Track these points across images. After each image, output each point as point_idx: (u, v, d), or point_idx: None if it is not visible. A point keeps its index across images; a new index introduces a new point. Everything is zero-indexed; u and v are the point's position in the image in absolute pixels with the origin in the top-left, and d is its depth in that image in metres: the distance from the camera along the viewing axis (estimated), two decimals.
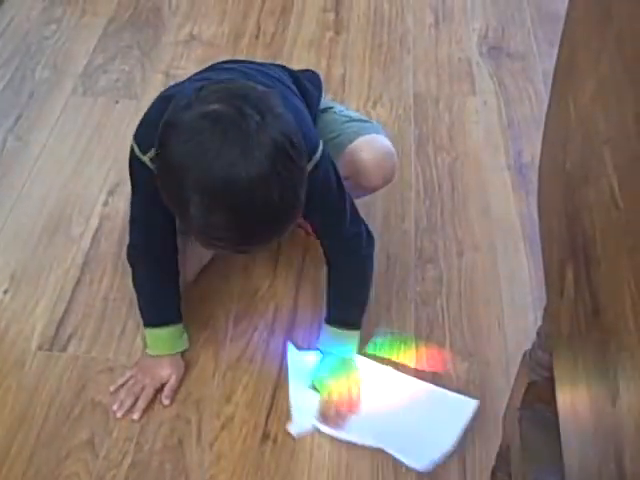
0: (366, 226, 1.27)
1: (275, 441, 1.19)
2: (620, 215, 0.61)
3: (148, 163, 1.14)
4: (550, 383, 0.84)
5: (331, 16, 2.03)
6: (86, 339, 1.31)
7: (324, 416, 1.21)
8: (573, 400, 0.72)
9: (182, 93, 1.11)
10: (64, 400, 1.23)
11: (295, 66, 1.51)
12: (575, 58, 0.81)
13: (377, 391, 1.24)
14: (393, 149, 1.35)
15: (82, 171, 1.60)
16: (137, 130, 1.19)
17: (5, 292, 1.38)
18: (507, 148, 1.68)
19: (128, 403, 1.22)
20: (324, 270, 1.31)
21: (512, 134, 1.71)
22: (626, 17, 0.66)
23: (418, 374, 1.27)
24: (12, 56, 1.86)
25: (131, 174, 1.21)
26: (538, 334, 0.94)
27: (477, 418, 1.21)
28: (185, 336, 1.28)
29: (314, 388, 1.24)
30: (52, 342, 1.31)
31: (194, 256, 1.35)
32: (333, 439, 1.19)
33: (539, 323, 0.94)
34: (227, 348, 1.31)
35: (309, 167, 1.10)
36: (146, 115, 1.20)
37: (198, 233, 1.06)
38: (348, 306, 1.28)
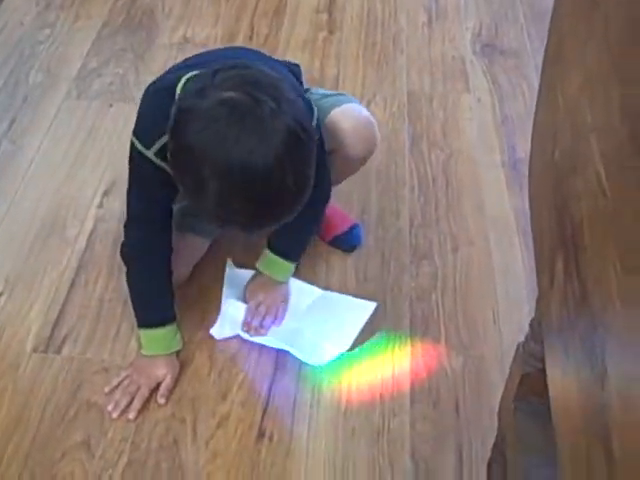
0: (329, 177, 1.30)
1: (271, 439, 1.19)
2: (607, 203, 0.61)
3: (152, 157, 1.14)
4: (543, 375, 0.84)
5: (324, 17, 2.03)
6: (81, 340, 1.31)
7: (248, 325, 1.32)
8: (563, 388, 0.72)
9: (171, 85, 1.12)
10: (59, 401, 1.23)
11: None
12: (563, 47, 0.82)
13: (294, 303, 1.36)
14: (371, 116, 1.36)
15: (76, 174, 1.60)
16: (136, 125, 1.20)
17: (0, 295, 1.38)
18: (501, 144, 1.68)
19: (124, 403, 1.21)
20: (319, 268, 1.31)
21: (506, 130, 1.72)
22: (612, 4, 0.66)
23: (413, 368, 1.28)
24: (6, 60, 1.87)
25: (131, 170, 1.21)
26: (531, 326, 0.95)
27: (473, 410, 1.22)
28: (179, 336, 1.28)
29: (244, 301, 1.35)
30: (47, 344, 1.31)
31: (187, 253, 1.35)
32: (333, 432, 1.19)
33: (532, 317, 0.94)
34: (222, 347, 1.31)
35: None
36: (143, 109, 1.21)
37: (214, 216, 1.09)
38: (292, 242, 1.34)
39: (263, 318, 1.32)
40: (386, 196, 1.55)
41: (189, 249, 1.35)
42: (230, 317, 1.33)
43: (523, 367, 0.95)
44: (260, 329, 1.32)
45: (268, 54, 1.36)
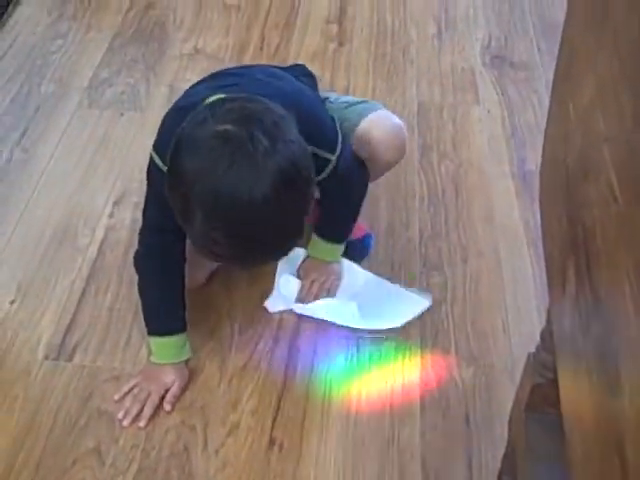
0: (361, 161, 1.32)
1: (281, 448, 1.19)
2: (619, 209, 0.62)
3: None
4: (554, 385, 0.84)
5: (334, 28, 2.04)
6: (92, 348, 1.32)
7: (301, 299, 1.37)
8: (576, 396, 0.72)
9: (194, 104, 1.13)
10: (70, 409, 1.23)
11: None
12: (574, 58, 0.82)
13: (346, 282, 1.40)
14: (401, 123, 1.37)
15: (88, 183, 1.61)
16: (156, 140, 1.21)
17: (12, 302, 1.39)
18: (511, 156, 1.68)
19: (134, 411, 1.22)
20: None
21: (515, 142, 1.72)
22: (622, 16, 0.67)
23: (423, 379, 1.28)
24: (18, 71, 1.88)
25: (149, 182, 1.23)
26: (542, 335, 0.94)
27: (483, 421, 1.22)
28: (188, 345, 1.28)
29: (298, 276, 1.40)
30: (58, 352, 1.31)
31: (205, 259, 1.34)
32: (343, 441, 1.20)
33: (543, 327, 0.94)
34: (232, 355, 1.31)
35: (332, 161, 1.22)
36: (165, 125, 1.22)
37: (200, 246, 1.09)
38: (337, 227, 1.38)
39: (316, 295, 1.37)
40: (396, 207, 1.56)
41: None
42: (284, 291, 1.38)
43: (534, 377, 0.95)
44: (312, 304, 1.36)
45: (290, 74, 1.35)
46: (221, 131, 1.02)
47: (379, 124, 1.33)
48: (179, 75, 1.88)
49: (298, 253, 1.40)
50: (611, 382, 0.59)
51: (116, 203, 1.57)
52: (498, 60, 1.94)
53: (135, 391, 1.24)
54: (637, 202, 0.58)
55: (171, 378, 1.24)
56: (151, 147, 1.20)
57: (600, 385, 0.62)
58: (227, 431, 1.21)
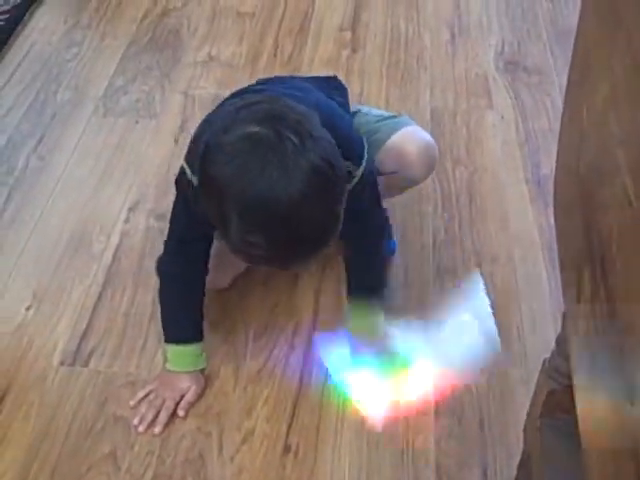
0: (385, 213, 1.33)
1: (296, 454, 1.19)
2: (634, 213, 0.62)
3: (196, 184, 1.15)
4: (570, 391, 0.84)
5: (348, 35, 2.05)
6: (107, 354, 1.33)
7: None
8: (591, 402, 0.72)
9: (218, 115, 1.13)
10: (86, 414, 1.24)
11: None
12: (587, 63, 0.82)
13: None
14: (432, 139, 1.36)
15: (103, 189, 1.62)
16: (187, 152, 1.21)
17: (28, 308, 1.40)
18: (525, 161, 1.68)
19: (149, 417, 1.22)
20: (344, 283, 1.32)
21: (529, 147, 1.71)
22: (634, 19, 0.67)
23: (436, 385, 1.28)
24: (34, 79, 1.90)
25: (178, 192, 1.23)
26: (557, 341, 0.94)
27: (498, 427, 1.21)
28: (204, 355, 1.28)
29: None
30: (74, 357, 1.32)
31: (229, 262, 1.34)
32: (358, 448, 1.20)
33: (558, 333, 0.93)
34: (247, 362, 1.31)
35: (357, 176, 1.17)
36: (193, 138, 1.21)
37: (238, 251, 1.09)
38: (368, 271, 1.31)
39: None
40: (409, 212, 1.56)
41: (232, 259, 1.35)
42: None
43: (549, 383, 0.95)
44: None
45: (322, 86, 1.35)
46: (248, 133, 1.02)
47: (412, 138, 1.33)
48: (193, 82, 1.89)
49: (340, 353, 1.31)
50: (627, 389, 0.59)
51: (131, 209, 1.58)
52: (511, 65, 1.94)
53: (151, 397, 1.24)
54: None
55: (187, 385, 1.25)
56: (182, 159, 1.20)
57: (616, 392, 0.62)
58: (242, 437, 1.21)
